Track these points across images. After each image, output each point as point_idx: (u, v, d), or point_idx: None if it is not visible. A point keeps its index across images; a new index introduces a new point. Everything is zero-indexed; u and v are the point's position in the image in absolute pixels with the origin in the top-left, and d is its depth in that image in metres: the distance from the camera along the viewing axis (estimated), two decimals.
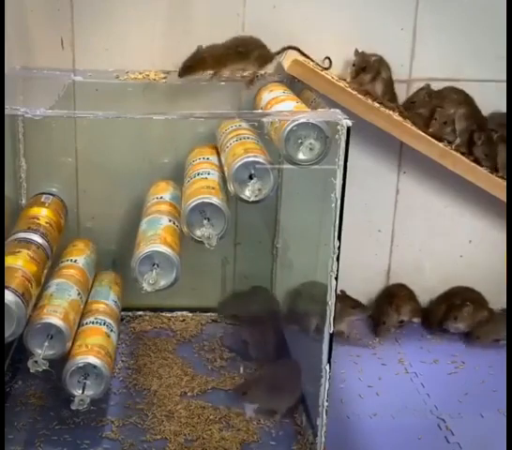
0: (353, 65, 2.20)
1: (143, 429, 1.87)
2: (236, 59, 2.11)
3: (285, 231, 2.33)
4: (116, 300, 2.09)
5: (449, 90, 2.28)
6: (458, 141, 2.25)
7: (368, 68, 2.18)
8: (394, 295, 2.37)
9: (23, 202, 2.23)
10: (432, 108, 2.24)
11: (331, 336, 1.69)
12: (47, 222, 2.00)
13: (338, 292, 2.21)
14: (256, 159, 1.74)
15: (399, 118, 2.19)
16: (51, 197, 2.14)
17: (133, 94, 2.15)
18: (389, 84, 2.25)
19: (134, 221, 2.04)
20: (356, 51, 2.19)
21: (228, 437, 1.84)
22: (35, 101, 1.89)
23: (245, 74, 2.15)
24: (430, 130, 2.22)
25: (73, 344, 1.81)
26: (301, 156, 1.70)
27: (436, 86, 2.28)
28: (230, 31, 2.18)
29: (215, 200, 1.76)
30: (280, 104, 1.90)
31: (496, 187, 2.24)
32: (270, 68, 2.21)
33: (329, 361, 1.70)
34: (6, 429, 1.82)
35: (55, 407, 1.92)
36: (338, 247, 1.64)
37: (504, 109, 2.27)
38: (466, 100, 2.27)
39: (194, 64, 2.09)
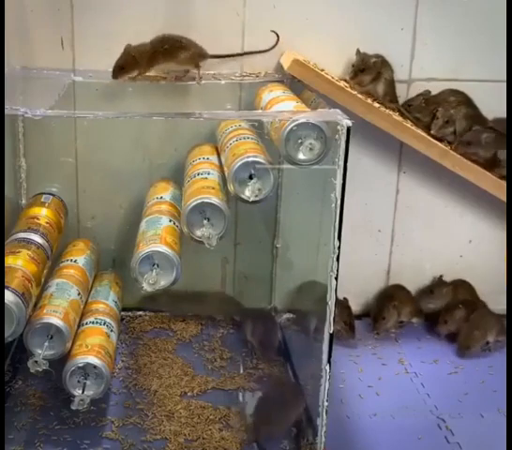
0: (353, 65, 2.20)
1: (143, 429, 1.87)
2: (164, 58, 2.10)
3: (285, 231, 2.33)
4: (116, 300, 2.09)
5: (447, 93, 2.27)
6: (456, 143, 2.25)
7: (368, 70, 2.18)
8: (393, 296, 2.37)
9: (23, 202, 2.23)
10: (430, 112, 2.24)
11: (331, 336, 1.69)
12: (47, 222, 2.00)
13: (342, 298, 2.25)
14: (256, 159, 1.74)
15: (399, 118, 2.20)
16: (51, 197, 2.14)
17: (133, 94, 2.15)
18: (391, 85, 2.25)
19: (134, 221, 2.04)
20: (358, 51, 2.19)
21: (228, 437, 1.84)
22: (35, 101, 1.89)
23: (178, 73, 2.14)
24: (432, 132, 2.22)
25: (73, 344, 1.81)
26: (301, 156, 1.70)
27: (436, 86, 2.27)
28: (230, 31, 2.18)
29: (215, 200, 1.76)
30: (280, 104, 1.90)
31: (496, 186, 2.24)
32: (270, 68, 2.22)
33: (329, 361, 1.70)
34: (6, 429, 1.82)
35: (55, 407, 1.92)
36: (338, 247, 1.64)
37: (503, 109, 2.26)
38: (465, 101, 2.27)
39: (125, 64, 2.08)
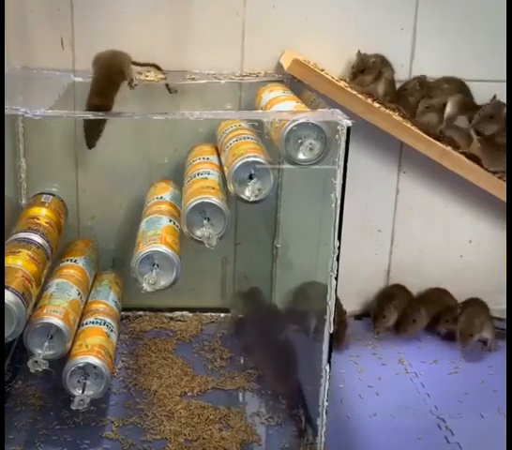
0: (352, 67, 2.20)
1: (143, 429, 1.87)
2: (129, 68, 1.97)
3: (285, 231, 2.33)
4: (116, 300, 2.09)
5: (442, 80, 2.26)
6: (443, 125, 2.23)
7: (368, 70, 2.19)
8: (393, 296, 2.37)
9: (23, 202, 2.23)
10: (422, 97, 2.24)
11: (331, 336, 1.69)
12: (47, 222, 2.00)
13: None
14: (256, 159, 1.74)
15: (399, 118, 2.20)
16: (51, 197, 2.14)
17: (133, 94, 2.15)
18: (391, 85, 2.25)
19: (134, 221, 2.04)
20: (358, 52, 2.19)
21: (228, 437, 1.84)
22: (35, 101, 1.89)
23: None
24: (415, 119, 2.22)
25: (73, 344, 1.81)
26: (301, 156, 1.70)
27: None
28: (230, 31, 2.18)
29: (215, 200, 1.77)
30: (280, 104, 1.90)
31: (496, 187, 2.24)
32: (270, 68, 2.22)
33: (329, 361, 1.70)
34: (6, 429, 1.82)
35: (55, 407, 1.92)
36: (338, 247, 1.64)
37: None
38: (458, 88, 2.26)
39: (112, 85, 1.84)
